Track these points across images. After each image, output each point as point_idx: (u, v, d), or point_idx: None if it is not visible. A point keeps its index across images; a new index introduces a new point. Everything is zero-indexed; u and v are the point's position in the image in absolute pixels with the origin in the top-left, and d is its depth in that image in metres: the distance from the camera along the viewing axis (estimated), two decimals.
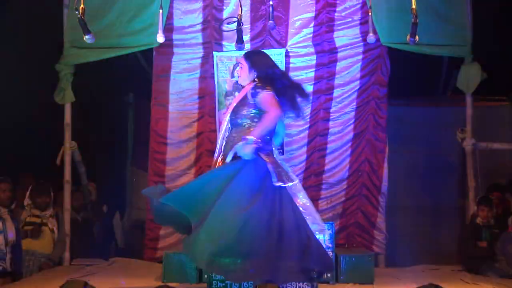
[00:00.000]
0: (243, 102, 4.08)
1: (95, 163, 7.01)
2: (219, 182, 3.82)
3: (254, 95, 4.00)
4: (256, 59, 4.18)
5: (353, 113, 6.19)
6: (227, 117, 4.14)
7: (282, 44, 6.21)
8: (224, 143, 4.13)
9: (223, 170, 3.95)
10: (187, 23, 6.27)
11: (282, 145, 5.88)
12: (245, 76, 4.16)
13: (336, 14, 6.17)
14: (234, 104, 4.11)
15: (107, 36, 5.93)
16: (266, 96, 3.96)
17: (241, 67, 4.19)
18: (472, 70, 5.93)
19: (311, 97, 6.18)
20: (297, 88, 4.16)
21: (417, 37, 4.87)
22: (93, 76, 6.70)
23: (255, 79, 4.10)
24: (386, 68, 6.12)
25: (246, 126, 4.01)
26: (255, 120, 4.00)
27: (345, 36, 6.18)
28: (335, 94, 6.20)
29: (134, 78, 7.41)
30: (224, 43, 6.25)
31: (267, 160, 3.93)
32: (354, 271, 5.13)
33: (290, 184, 3.92)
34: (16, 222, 5.35)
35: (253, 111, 4.02)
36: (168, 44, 6.17)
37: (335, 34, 6.18)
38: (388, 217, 6.14)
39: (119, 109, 7.91)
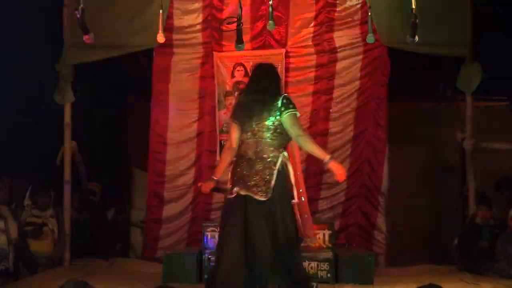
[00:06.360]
0: None
1: (95, 163, 7.01)
2: None
3: None
4: None
5: (353, 113, 6.19)
6: None
7: (282, 44, 6.22)
8: None
9: None
10: (187, 23, 6.28)
11: None
12: None
13: (336, 14, 6.18)
14: None
15: (107, 36, 5.93)
16: None
17: None
18: (472, 70, 5.92)
19: (310, 97, 6.21)
20: None
21: (417, 37, 4.87)
22: (93, 76, 6.70)
23: None
24: (386, 68, 6.12)
25: None
26: None
27: (345, 36, 6.18)
28: (335, 94, 6.20)
29: (134, 78, 7.40)
30: (224, 43, 6.25)
31: None
32: (354, 271, 5.14)
33: None
34: (18, 221, 5.35)
35: None
36: (168, 44, 6.18)
37: (335, 34, 6.19)
38: (388, 217, 6.14)
39: (119, 109, 7.90)
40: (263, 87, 4.11)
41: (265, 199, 3.90)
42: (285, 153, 4.07)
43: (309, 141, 4.00)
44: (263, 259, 3.87)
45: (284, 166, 4.02)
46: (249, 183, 3.94)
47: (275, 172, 3.95)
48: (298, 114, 4.06)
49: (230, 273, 3.86)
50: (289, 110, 3.97)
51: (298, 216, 4.15)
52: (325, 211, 6.13)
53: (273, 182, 3.93)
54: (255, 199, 3.91)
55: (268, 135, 4.00)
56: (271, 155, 3.99)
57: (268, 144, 4.00)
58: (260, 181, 3.94)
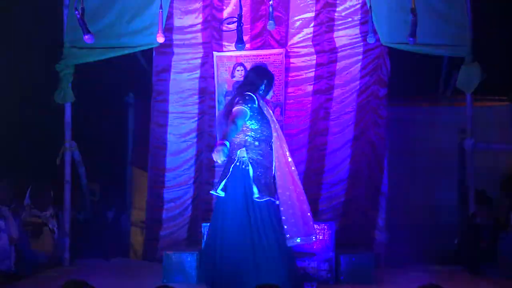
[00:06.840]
0: None
1: (95, 163, 7.01)
2: None
3: None
4: None
5: (353, 113, 6.18)
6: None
7: (282, 44, 6.22)
8: None
9: None
10: (187, 23, 6.28)
11: None
12: None
13: (336, 14, 6.18)
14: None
15: (107, 36, 5.94)
16: None
17: None
18: (472, 70, 5.92)
19: (310, 97, 6.21)
20: None
21: (417, 37, 4.87)
22: (93, 76, 6.70)
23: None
24: (386, 68, 6.12)
25: None
26: None
27: (345, 36, 6.18)
28: (335, 94, 6.20)
29: (134, 78, 7.41)
30: (224, 43, 6.25)
31: None
32: (354, 271, 5.14)
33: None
34: (18, 221, 5.35)
35: None
36: (168, 44, 6.18)
37: (335, 34, 6.19)
38: (388, 217, 6.14)
39: (119, 109, 7.90)
40: (238, 91, 4.39)
41: (219, 194, 4.20)
42: (244, 150, 4.23)
43: (226, 127, 4.12)
44: (224, 257, 4.09)
45: (242, 163, 4.20)
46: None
47: (231, 168, 4.20)
48: (247, 111, 4.18)
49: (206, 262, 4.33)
50: (236, 106, 4.20)
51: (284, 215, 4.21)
52: (325, 211, 6.13)
53: (227, 176, 4.19)
54: (216, 196, 4.27)
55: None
56: (233, 152, 4.23)
57: (233, 142, 4.22)
58: (218, 178, 4.31)
